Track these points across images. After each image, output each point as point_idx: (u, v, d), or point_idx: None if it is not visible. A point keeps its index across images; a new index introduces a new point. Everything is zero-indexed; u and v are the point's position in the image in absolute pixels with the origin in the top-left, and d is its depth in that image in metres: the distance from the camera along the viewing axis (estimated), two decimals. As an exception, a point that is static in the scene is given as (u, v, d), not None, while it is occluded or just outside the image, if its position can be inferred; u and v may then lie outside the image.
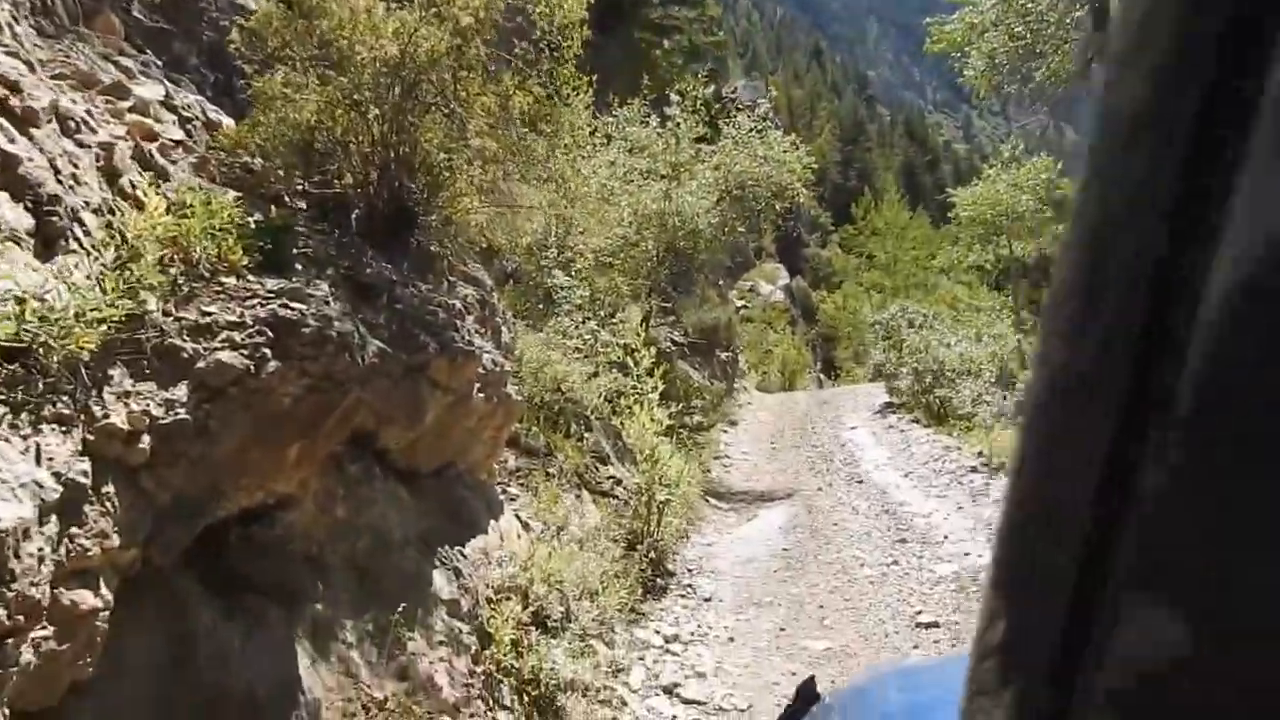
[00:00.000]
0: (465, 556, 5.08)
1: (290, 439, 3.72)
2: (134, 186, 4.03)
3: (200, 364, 3.30)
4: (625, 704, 5.53)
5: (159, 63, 7.13)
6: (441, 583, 4.74)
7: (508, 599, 5.11)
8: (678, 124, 15.03)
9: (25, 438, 2.71)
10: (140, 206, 3.84)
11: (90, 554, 2.77)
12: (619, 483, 9.11)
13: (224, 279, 3.72)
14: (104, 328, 3.08)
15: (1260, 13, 0.36)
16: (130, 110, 5.30)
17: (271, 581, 3.82)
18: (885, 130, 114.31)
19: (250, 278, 3.82)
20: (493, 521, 5.71)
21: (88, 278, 3.29)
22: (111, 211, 3.70)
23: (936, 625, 6.99)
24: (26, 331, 2.78)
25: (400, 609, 4.25)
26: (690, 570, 8.69)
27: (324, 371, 3.69)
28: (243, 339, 3.44)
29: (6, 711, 2.55)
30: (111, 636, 2.92)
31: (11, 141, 3.27)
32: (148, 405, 3.16)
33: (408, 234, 5.51)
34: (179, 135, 5.47)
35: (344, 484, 4.38)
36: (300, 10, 5.32)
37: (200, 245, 3.70)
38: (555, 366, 9.32)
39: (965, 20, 15.29)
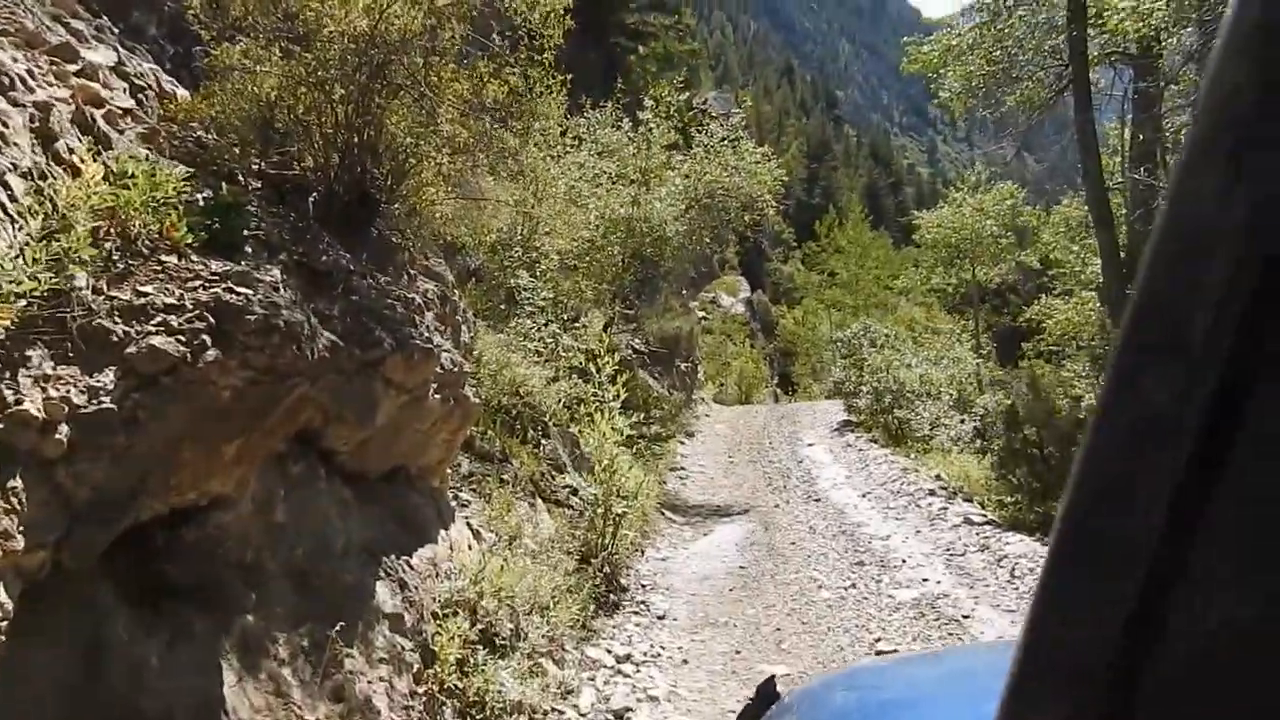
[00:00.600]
0: (412, 567, 4.78)
1: (228, 435, 3.41)
2: (71, 152, 3.70)
3: (131, 349, 2.99)
4: (574, 728, 5.27)
5: (115, 29, 6.78)
6: (385, 595, 4.43)
7: (455, 614, 4.81)
8: (650, 129, 14.82)
9: (-80, 423, 2.40)
10: (76, 173, 3.52)
11: (-11, 557, 2.46)
12: (575, 492, 8.83)
13: (164, 257, 3.41)
14: (23, 303, 2.77)
15: None
16: (78, 75, 4.96)
17: (199, 589, 3.51)
18: (851, 150, 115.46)
19: (194, 258, 3.52)
20: (443, 530, 5.41)
21: (9, 247, 2.97)
22: (43, 177, 3.38)
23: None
24: (-72, 302, 2.47)
25: (339, 623, 3.95)
26: (644, 586, 8.44)
27: (268, 363, 3.39)
28: (180, 323, 3.13)
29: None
30: (11, 648, 2.60)
31: (-71, 91, 2.94)
32: (68, 391, 2.84)
33: (368, 222, 5.22)
34: (129, 103, 5.13)
35: (286, 485, 4.07)
36: (266, -21, 5.01)
37: (140, 219, 3.39)
38: (515, 369, 9.05)
39: (942, 42, 15.26)
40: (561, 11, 6.10)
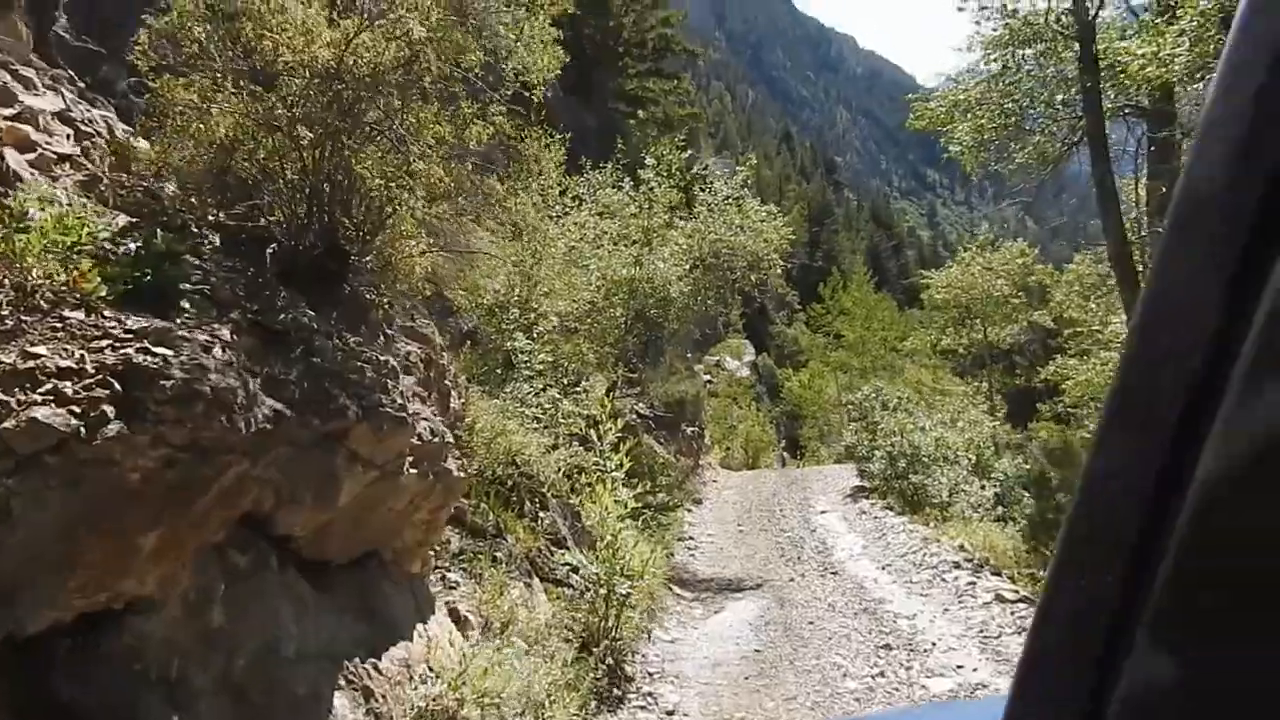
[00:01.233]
0: (380, 671, 4.12)
1: (143, 524, 2.81)
2: (-28, 193, 3.18)
3: (8, 423, 2.41)
4: None
5: (81, 82, 6.36)
6: (345, 708, 3.77)
7: (431, 725, 4.15)
8: (651, 188, 14.41)
9: None
10: (-25, 217, 2.98)
11: None
12: (575, 570, 8.15)
13: (68, 313, 2.85)
14: None
15: None
16: (15, 119, 4.48)
17: (108, 712, 2.87)
18: (852, 214, 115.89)
19: (106, 313, 2.95)
20: (420, 624, 4.76)
21: None
22: (-73, 219, 2.84)
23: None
24: None
25: (285, 747, 3.30)
26: (652, 674, 7.71)
27: (190, 438, 2.80)
28: (76, 391, 2.56)
29: None
30: None
31: None
32: (-79, 477, 2.26)
33: (339, 278, 4.67)
34: (70, 149, 4.64)
35: (227, 580, 3.45)
36: (223, 13, 4.54)
37: (40, 267, 2.83)
38: (511, 437, 8.43)
39: (949, 97, 14.93)
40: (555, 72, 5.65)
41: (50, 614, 2.70)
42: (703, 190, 15.25)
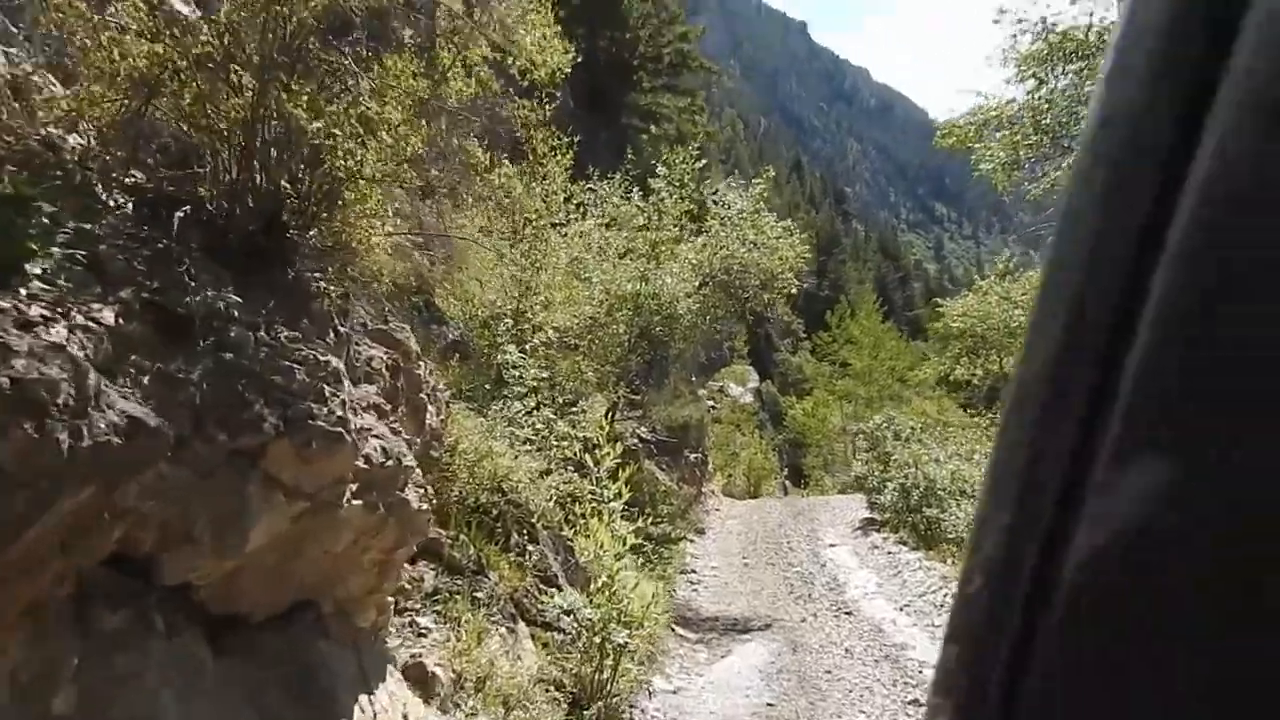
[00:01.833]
0: (303, 764, 3.19)
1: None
2: None
3: None
4: None
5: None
6: (246, 821, 2.85)
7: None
8: (661, 198, 13.51)
9: None
10: None
11: None
12: (568, 612, 7.19)
13: None
14: None
15: None
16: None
17: None
18: (860, 244, 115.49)
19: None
20: (366, 694, 3.81)
21: None
22: None
23: None
24: None
25: None
26: (650, 735, 6.76)
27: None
28: None
29: None
30: None
31: None
32: None
33: (277, 258, 3.76)
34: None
35: (84, 650, 2.53)
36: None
37: None
38: (498, 460, 7.50)
39: (979, 115, 14.15)
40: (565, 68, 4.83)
41: None
42: (715, 204, 14.39)
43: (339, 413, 3.25)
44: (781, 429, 41.95)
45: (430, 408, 6.14)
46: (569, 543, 8.03)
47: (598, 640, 6.48)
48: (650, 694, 7.58)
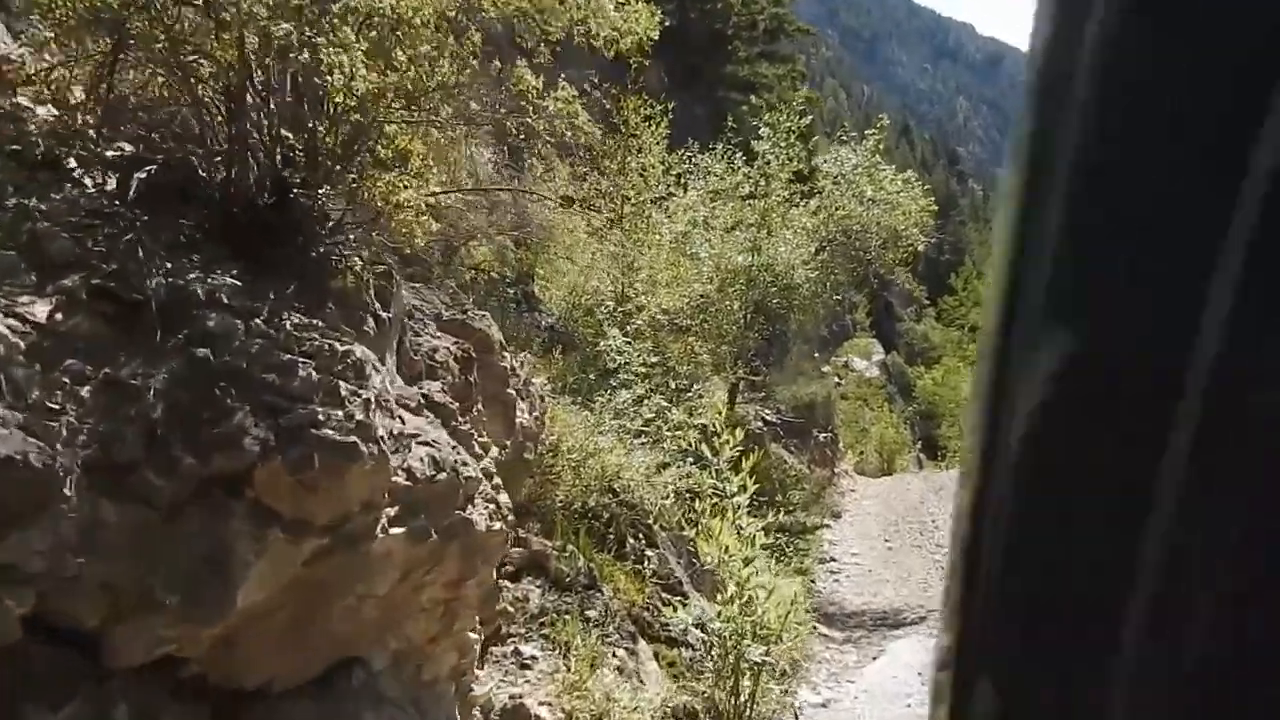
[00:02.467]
0: None
1: None
2: None
3: None
4: None
5: None
6: None
7: None
8: (767, 161, 12.42)
9: None
10: None
11: None
12: (697, 624, 6.33)
13: None
14: None
15: None
16: None
17: None
18: (978, 204, 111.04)
19: None
20: (434, 772, 3.03)
21: None
22: None
23: None
24: None
25: None
26: (801, 768, 5.85)
27: None
28: None
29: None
30: None
31: None
32: None
33: (288, 232, 2.99)
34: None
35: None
36: None
37: None
38: (605, 457, 6.69)
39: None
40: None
41: None
42: (827, 160, 13.26)
43: (359, 416, 2.45)
44: (911, 401, 40.59)
45: (521, 404, 5.37)
46: (691, 544, 7.17)
47: (729, 659, 5.61)
48: (797, 713, 6.65)
